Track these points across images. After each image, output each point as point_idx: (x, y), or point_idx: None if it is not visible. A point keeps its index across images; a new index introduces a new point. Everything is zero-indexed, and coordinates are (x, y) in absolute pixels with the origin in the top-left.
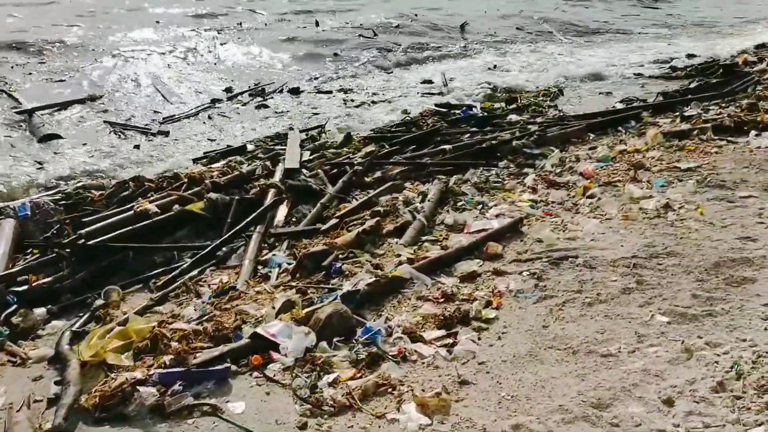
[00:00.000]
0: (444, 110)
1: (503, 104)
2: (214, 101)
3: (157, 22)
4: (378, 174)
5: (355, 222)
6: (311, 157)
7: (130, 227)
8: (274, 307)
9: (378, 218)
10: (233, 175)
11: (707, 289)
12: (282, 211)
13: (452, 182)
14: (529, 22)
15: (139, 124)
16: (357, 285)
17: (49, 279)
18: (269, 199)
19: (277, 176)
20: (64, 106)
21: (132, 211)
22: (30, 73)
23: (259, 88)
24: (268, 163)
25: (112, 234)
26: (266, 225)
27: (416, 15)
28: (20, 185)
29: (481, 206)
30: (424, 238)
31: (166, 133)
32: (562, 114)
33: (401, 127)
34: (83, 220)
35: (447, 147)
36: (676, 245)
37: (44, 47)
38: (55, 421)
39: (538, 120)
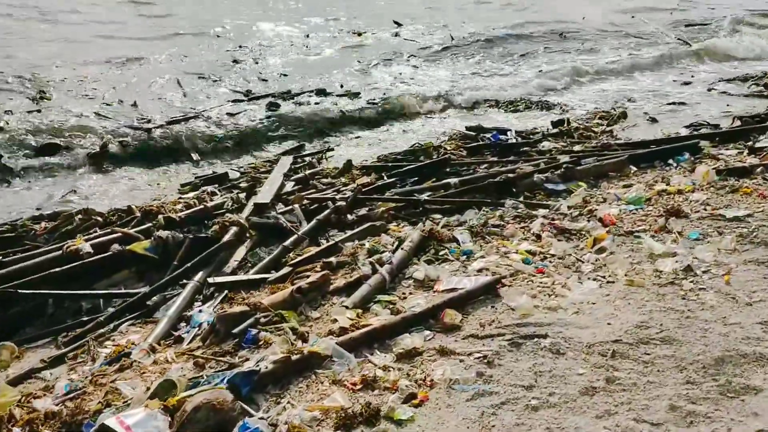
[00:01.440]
0: (473, 134)
1: (548, 127)
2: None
3: None
4: (364, 211)
5: (303, 274)
6: (294, 188)
7: (56, 269)
8: (148, 388)
9: (326, 272)
10: (194, 210)
11: (693, 398)
12: (239, 254)
13: (442, 224)
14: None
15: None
16: (260, 362)
17: None
18: (226, 239)
19: (246, 211)
20: None
21: (61, 251)
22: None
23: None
24: (242, 195)
25: (31, 277)
26: (210, 271)
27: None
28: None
29: (465, 257)
30: (379, 297)
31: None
32: (605, 142)
33: (409, 155)
34: (2, 260)
35: (453, 180)
36: (677, 327)
37: None
38: None
39: (576, 148)
